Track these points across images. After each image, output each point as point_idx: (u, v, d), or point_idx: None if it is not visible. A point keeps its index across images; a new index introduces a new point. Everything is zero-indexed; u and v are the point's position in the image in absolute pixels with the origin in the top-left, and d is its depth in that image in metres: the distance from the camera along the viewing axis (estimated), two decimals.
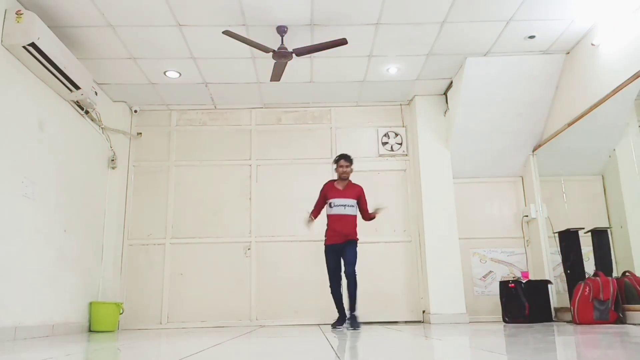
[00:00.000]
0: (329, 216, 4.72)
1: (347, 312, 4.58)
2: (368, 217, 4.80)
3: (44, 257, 4.32)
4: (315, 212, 4.76)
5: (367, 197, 4.81)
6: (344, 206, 4.66)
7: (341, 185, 4.75)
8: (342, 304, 4.65)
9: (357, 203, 4.75)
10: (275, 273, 5.78)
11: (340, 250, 4.64)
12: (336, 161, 4.78)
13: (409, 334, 3.57)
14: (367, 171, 6.00)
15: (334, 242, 4.66)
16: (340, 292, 4.65)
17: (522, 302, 5.02)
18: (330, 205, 4.71)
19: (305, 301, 5.65)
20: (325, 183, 4.84)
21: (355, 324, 4.44)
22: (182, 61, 5.07)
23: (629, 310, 4.23)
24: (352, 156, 4.82)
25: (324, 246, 4.74)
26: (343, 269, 4.61)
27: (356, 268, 4.56)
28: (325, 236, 4.73)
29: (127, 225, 5.81)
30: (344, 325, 4.55)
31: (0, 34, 3.75)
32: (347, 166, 4.71)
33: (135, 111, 6.08)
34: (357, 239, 4.68)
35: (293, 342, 3.08)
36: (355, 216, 4.71)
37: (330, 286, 4.68)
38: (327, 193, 4.74)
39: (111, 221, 5.59)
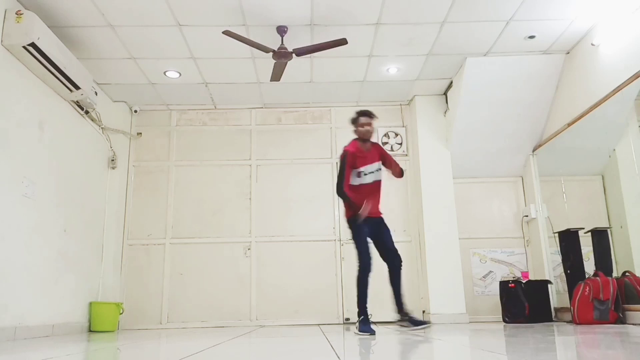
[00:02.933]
0: (357, 187, 3.88)
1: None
2: (399, 170, 4.03)
3: (44, 257, 4.32)
4: (348, 187, 3.83)
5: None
6: (376, 171, 3.94)
7: (365, 147, 3.96)
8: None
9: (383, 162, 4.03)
10: (275, 273, 5.78)
11: (375, 226, 3.89)
12: (354, 120, 3.97)
13: (409, 334, 3.56)
14: None
15: (369, 215, 3.81)
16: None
17: (522, 302, 5.02)
18: (359, 176, 3.89)
19: (305, 301, 5.65)
20: (345, 148, 3.93)
21: (418, 321, 3.84)
22: (182, 61, 5.08)
23: (629, 310, 4.23)
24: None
25: (349, 221, 3.87)
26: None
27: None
28: (351, 209, 3.86)
29: (127, 225, 5.81)
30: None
31: (0, 34, 3.75)
32: (369, 124, 3.92)
33: (135, 111, 6.08)
34: None
35: (293, 342, 3.08)
36: (381, 181, 4.04)
37: (364, 274, 3.75)
38: (357, 161, 3.87)
39: (111, 221, 5.59)
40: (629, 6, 4.08)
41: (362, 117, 3.94)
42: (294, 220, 5.87)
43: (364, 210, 3.77)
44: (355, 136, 4.00)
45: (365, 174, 3.89)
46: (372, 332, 3.55)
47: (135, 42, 4.69)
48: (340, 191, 3.82)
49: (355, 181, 3.89)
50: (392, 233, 4.01)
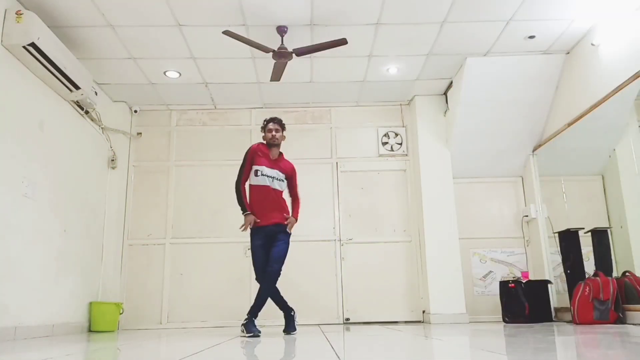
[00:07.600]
0: (251, 187, 3.96)
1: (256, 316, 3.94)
2: (295, 204, 4.13)
3: (44, 257, 4.32)
4: (243, 185, 4.00)
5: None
6: (273, 178, 3.95)
7: (273, 154, 4.06)
8: (281, 297, 4.12)
9: (287, 182, 4.09)
10: None
11: (269, 237, 3.93)
12: (264, 125, 4.09)
13: (409, 334, 3.57)
14: (367, 171, 6.02)
15: (261, 224, 3.93)
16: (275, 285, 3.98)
17: (522, 302, 5.02)
18: (255, 174, 3.95)
19: (305, 301, 5.65)
20: (252, 145, 4.10)
21: (253, 328, 3.75)
22: (182, 61, 5.07)
23: (629, 310, 4.24)
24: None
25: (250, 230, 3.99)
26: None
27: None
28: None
29: (127, 225, 5.81)
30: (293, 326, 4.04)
31: (0, 34, 3.75)
32: (277, 130, 4.02)
33: (135, 111, 6.08)
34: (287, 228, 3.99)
35: (293, 341, 3.08)
36: (282, 193, 4.05)
37: (260, 281, 3.97)
38: (255, 158, 3.98)
39: (111, 221, 5.59)
40: (629, 6, 4.08)
41: (270, 123, 4.06)
42: None
43: (247, 222, 3.92)
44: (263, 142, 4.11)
45: (260, 175, 3.93)
46: (258, 333, 3.73)
47: (135, 42, 4.69)
48: (236, 187, 3.96)
49: (252, 180, 3.97)
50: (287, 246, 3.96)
